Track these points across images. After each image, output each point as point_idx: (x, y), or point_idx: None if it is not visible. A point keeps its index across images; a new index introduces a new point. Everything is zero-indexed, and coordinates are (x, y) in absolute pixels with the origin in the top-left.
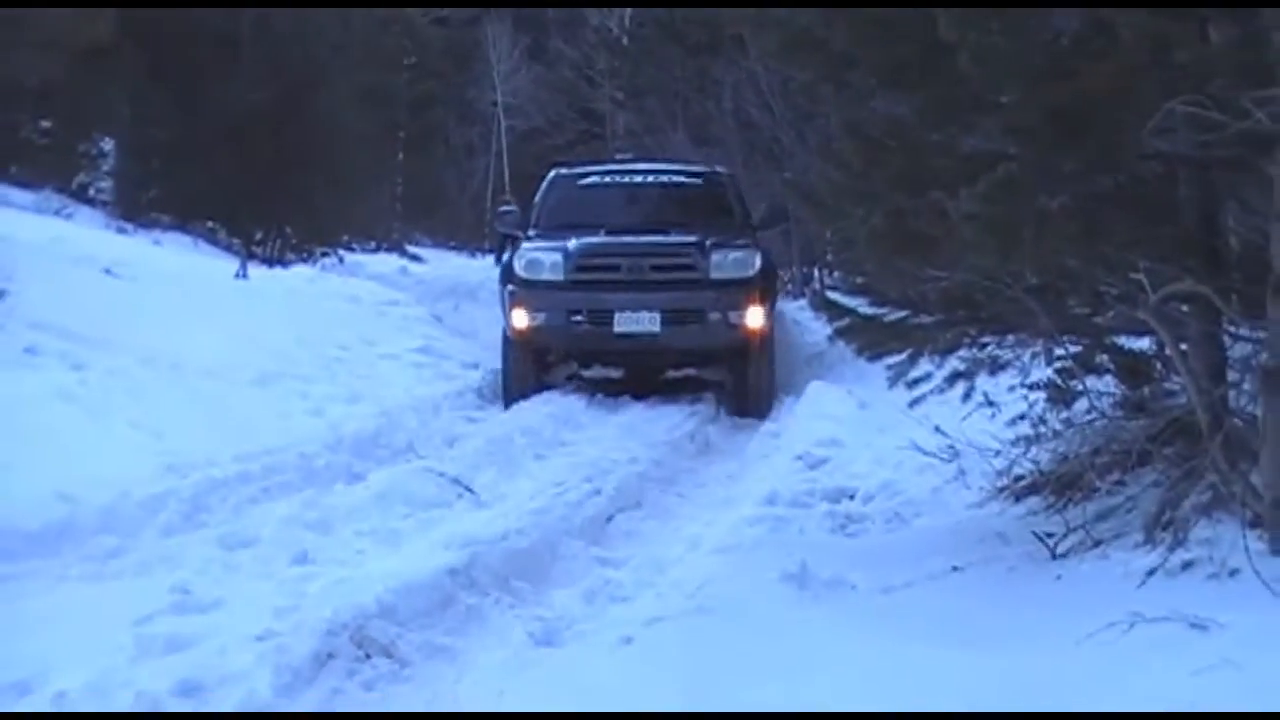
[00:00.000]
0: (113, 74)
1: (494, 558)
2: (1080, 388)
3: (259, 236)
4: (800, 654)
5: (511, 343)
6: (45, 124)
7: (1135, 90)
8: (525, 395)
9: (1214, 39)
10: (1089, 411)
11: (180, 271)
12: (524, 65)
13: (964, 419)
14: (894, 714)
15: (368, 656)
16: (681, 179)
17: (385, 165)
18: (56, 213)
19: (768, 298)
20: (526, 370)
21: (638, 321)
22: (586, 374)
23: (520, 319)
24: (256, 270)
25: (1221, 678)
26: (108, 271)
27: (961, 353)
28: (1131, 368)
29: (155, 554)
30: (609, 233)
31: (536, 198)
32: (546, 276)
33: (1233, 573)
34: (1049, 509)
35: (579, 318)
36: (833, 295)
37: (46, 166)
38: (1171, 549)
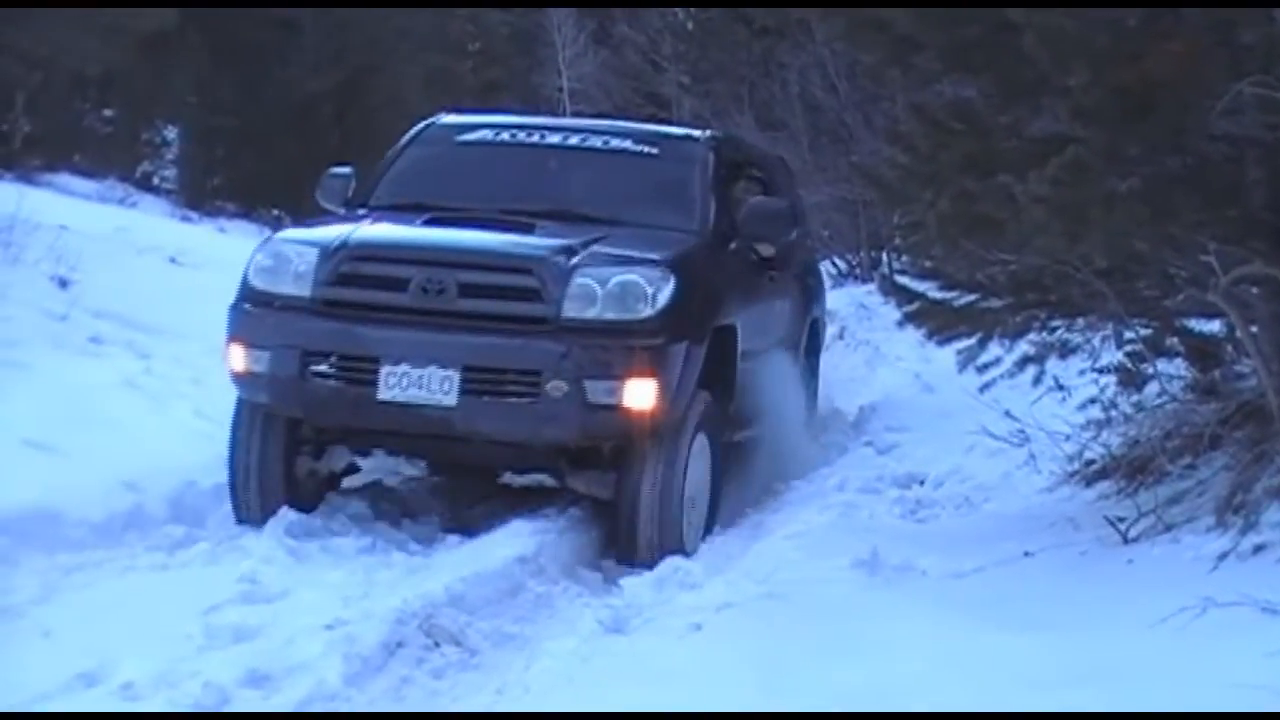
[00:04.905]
0: (176, 61)
1: (562, 546)
2: (1150, 371)
3: None
4: (871, 638)
5: (243, 404)
6: (108, 112)
7: (1202, 71)
8: (263, 504)
9: None
10: (1160, 395)
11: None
12: (589, 50)
13: (1034, 403)
14: (894, 714)
15: (437, 645)
16: (625, 145)
17: None
18: (120, 201)
19: (676, 359)
20: (266, 454)
21: (420, 384)
22: (365, 465)
23: (238, 358)
24: None
25: None
26: (172, 260)
27: (1031, 336)
28: (1202, 350)
29: (222, 543)
30: (433, 221)
31: (387, 155)
32: (288, 288)
33: None
34: (1120, 493)
35: (322, 367)
36: (901, 279)
37: (110, 155)
38: (1243, 533)
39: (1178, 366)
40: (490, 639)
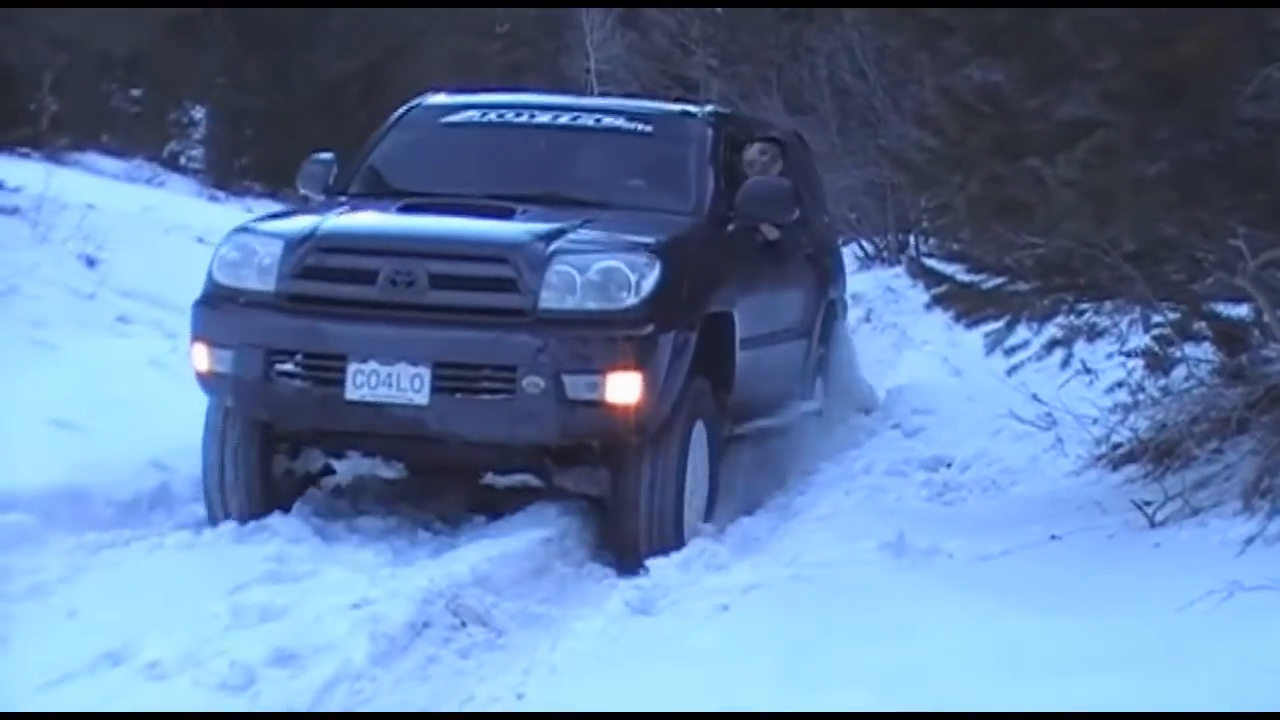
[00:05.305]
0: (203, 41)
1: (588, 528)
2: (1178, 355)
3: None
4: (897, 620)
5: (215, 407)
6: (135, 92)
7: (1231, 56)
8: (240, 507)
9: None
10: (1187, 379)
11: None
12: (617, 33)
13: (1061, 386)
14: (899, 714)
15: (463, 624)
16: (618, 123)
17: None
18: (148, 181)
19: (664, 350)
20: (240, 455)
21: (389, 382)
22: (340, 466)
23: (201, 358)
24: None
25: None
26: (200, 240)
27: (1059, 320)
28: (1229, 335)
29: (249, 523)
30: (408, 208)
31: (370, 139)
32: (252, 284)
33: None
34: (1147, 477)
35: (287, 366)
36: (929, 262)
37: (137, 134)
38: (1270, 517)
39: (1205, 350)
40: (517, 619)
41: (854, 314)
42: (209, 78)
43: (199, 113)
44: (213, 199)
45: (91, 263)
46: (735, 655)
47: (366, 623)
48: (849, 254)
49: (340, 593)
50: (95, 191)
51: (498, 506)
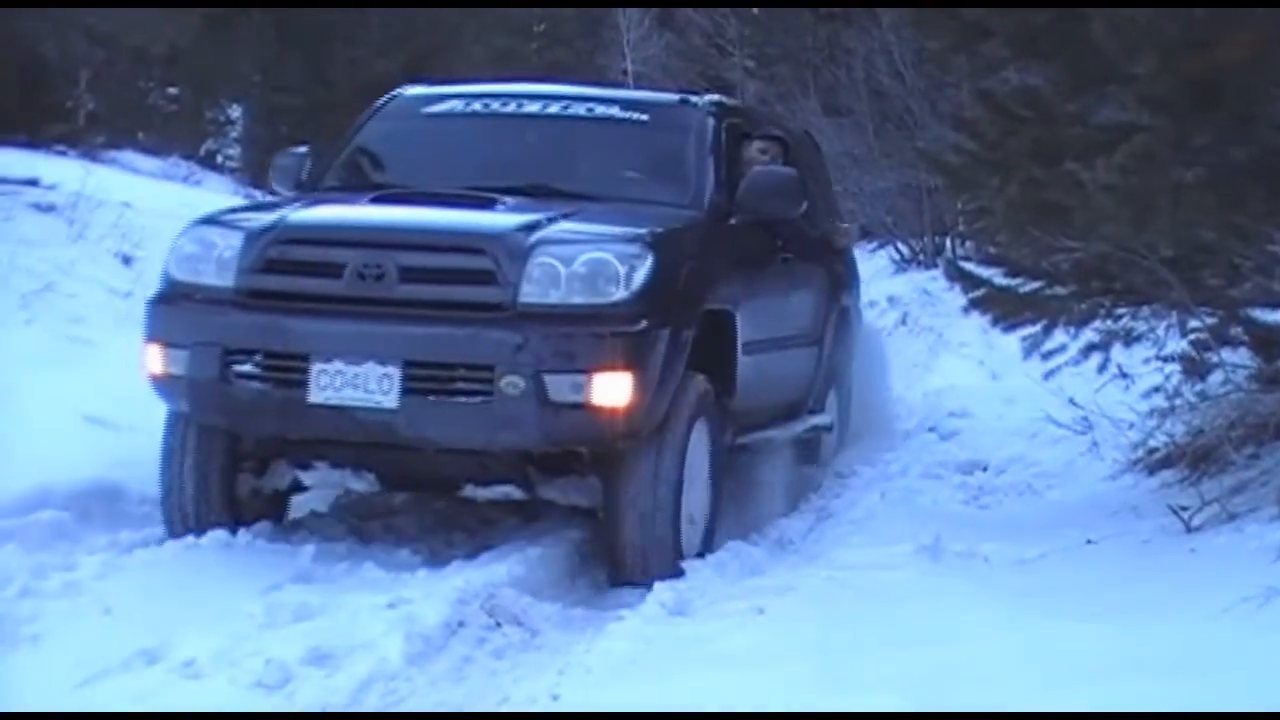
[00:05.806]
0: (241, 38)
1: None
2: (1215, 360)
3: None
4: (932, 624)
5: (172, 415)
6: (172, 89)
7: (1270, 60)
8: (199, 524)
9: None
10: (1224, 384)
11: None
12: (654, 33)
13: (1098, 391)
14: (932, 714)
15: (498, 625)
16: (611, 112)
17: None
18: (184, 179)
19: (656, 348)
20: (202, 470)
21: (356, 383)
22: (308, 481)
23: (155, 359)
24: None
25: None
26: None
27: (1096, 324)
28: (1266, 340)
29: (285, 522)
30: (380, 199)
31: (345, 132)
32: (210, 279)
33: None
34: (1183, 482)
35: (246, 367)
36: (966, 265)
37: (173, 132)
38: None
39: (1242, 356)
40: (552, 620)
41: (890, 317)
42: (246, 76)
43: (236, 111)
44: (249, 198)
45: (128, 261)
46: (770, 658)
47: (402, 622)
48: (885, 256)
49: (376, 592)
50: (132, 189)
51: (534, 508)
